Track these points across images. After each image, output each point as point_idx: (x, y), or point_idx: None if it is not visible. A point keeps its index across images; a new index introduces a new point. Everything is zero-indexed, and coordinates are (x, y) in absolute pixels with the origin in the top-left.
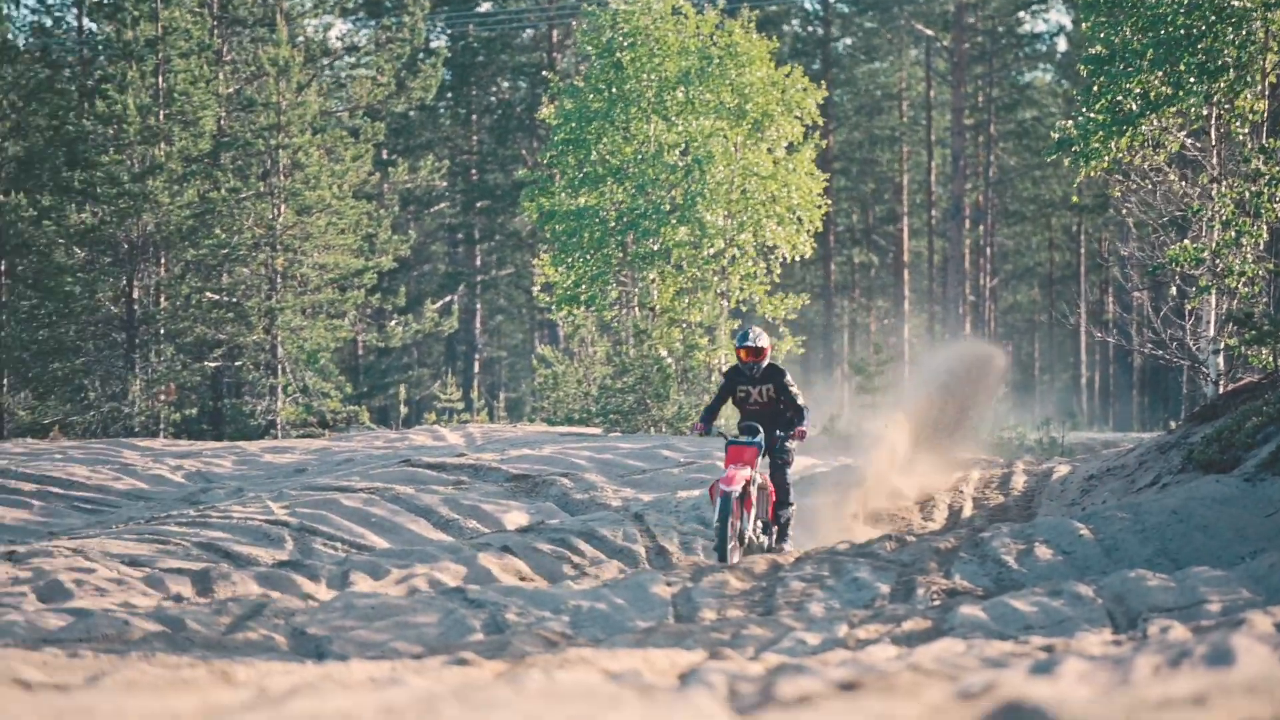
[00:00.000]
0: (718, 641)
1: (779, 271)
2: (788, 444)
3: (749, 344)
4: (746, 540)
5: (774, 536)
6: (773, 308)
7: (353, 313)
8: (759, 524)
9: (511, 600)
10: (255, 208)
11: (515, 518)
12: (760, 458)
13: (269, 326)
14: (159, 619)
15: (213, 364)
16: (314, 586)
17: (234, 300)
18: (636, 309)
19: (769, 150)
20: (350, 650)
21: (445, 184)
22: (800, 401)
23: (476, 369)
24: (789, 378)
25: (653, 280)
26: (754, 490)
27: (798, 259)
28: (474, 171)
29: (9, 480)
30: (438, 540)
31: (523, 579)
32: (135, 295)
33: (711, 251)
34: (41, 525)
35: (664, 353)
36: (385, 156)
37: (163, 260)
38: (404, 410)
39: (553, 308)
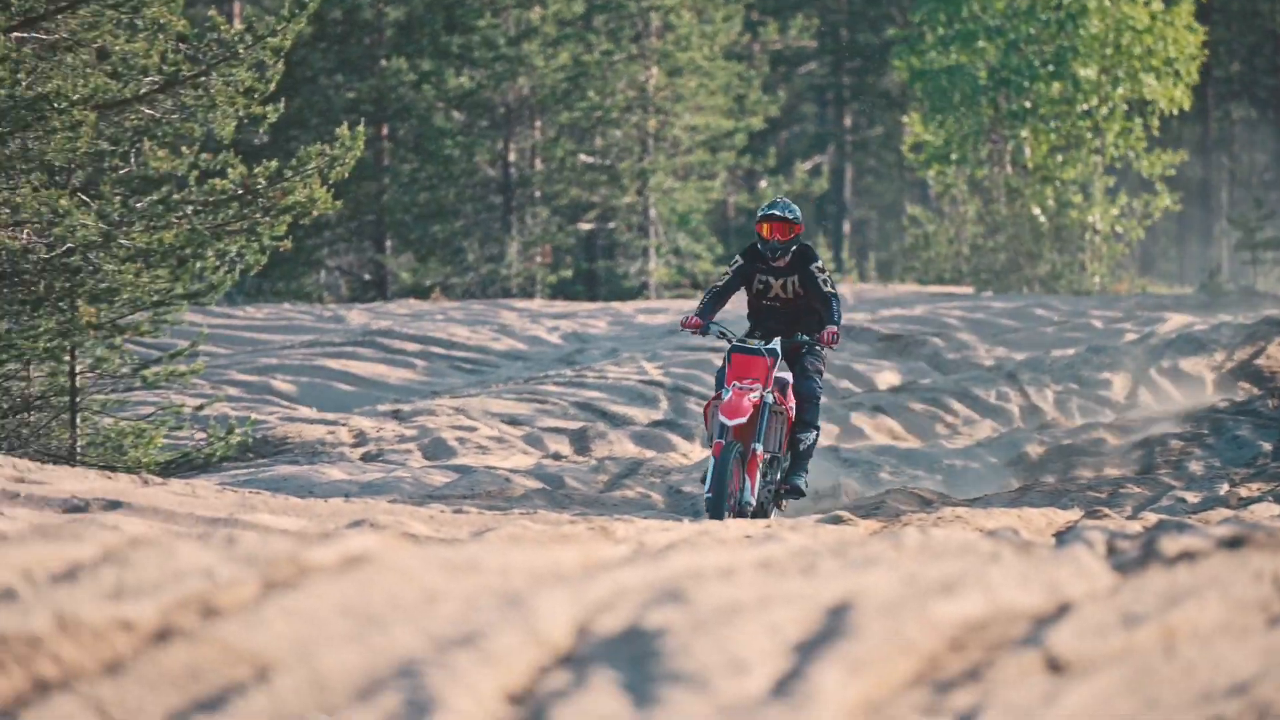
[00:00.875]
0: (1094, 500)
1: (1156, 127)
2: (816, 348)
3: (776, 213)
4: (745, 513)
5: (782, 472)
6: (1149, 164)
7: (723, 174)
8: (772, 481)
9: (884, 459)
10: (627, 70)
11: (887, 377)
12: (773, 370)
13: (641, 189)
14: (539, 476)
15: (586, 226)
16: (688, 445)
17: (607, 163)
18: (1008, 167)
19: (1145, 3)
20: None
21: (815, 43)
22: (829, 289)
23: (846, 230)
24: (820, 263)
25: (1024, 138)
26: (759, 441)
27: (1174, 113)
28: (844, 30)
29: (394, 340)
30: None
31: (895, 438)
32: (511, 158)
33: (1085, 108)
34: (424, 384)
35: (1036, 211)
36: (755, 17)
37: (538, 123)
38: None
39: (923, 167)
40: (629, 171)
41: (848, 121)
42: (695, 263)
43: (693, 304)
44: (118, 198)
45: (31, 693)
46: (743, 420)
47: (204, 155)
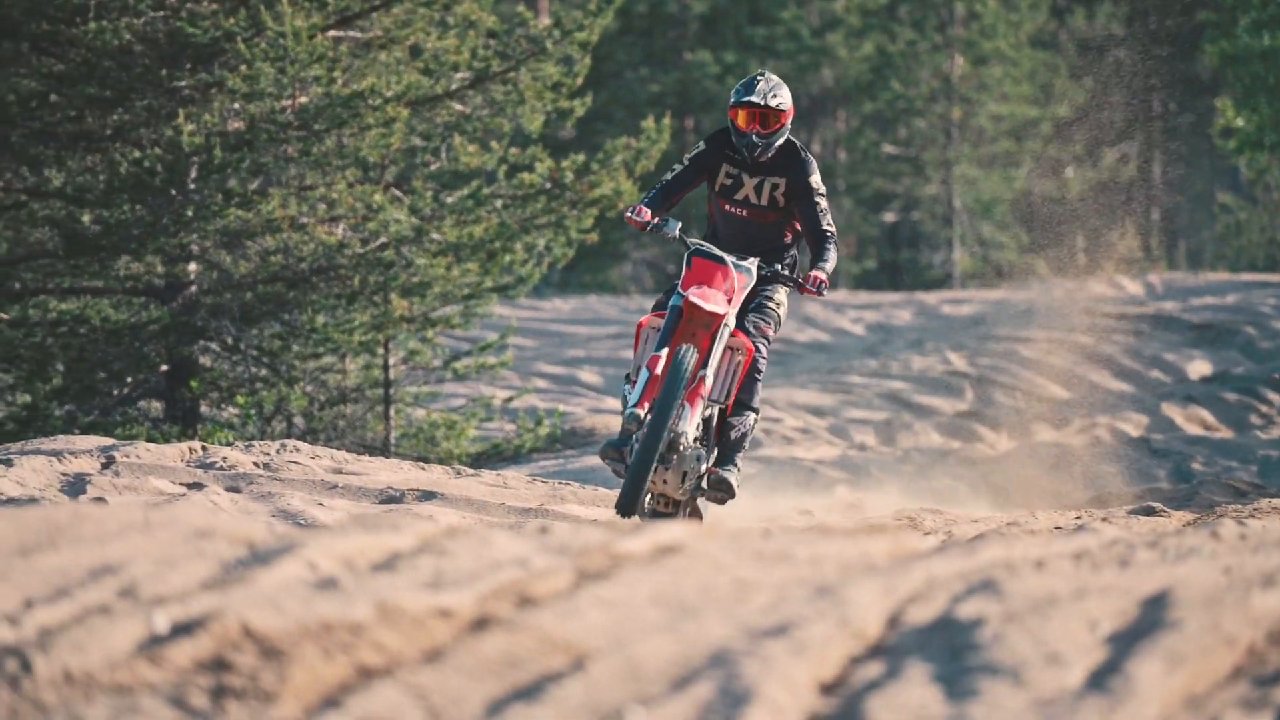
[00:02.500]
0: None
1: None
2: (773, 297)
3: (754, 99)
4: (680, 451)
5: (702, 462)
6: None
7: (1029, 163)
8: (693, 471)
9: (1197, 450)
10: (931, 60)
11: (1198, 367)
12: (743, 291)
13: (945, 178)
14: (844, 467)
15: (890, 216)
16: (994, 436)
17: (911, 153)
18: None
19: None
20: (1033, 499)
21: (1123, 30)
22: (827, 226)
23: (1155, 217)
24: (817, 177)
25: None
26: (709, 367)
27: None
28: (1153, 16)
29: None
30: (1119, 390)
31: (1207, 428)
32: (815, 149)
33: None
34: None
35: None
36: (1062, 4)
37: (841, 114)
38: (1081, 260)
39: (1235, 154)
40: (933, 161)
41: (1156, 108)
42: (1000, 252)
43: (998, 294)
44: (429, 193)
45: (355, 680)
46: (719, 309)
47: (513, 150)
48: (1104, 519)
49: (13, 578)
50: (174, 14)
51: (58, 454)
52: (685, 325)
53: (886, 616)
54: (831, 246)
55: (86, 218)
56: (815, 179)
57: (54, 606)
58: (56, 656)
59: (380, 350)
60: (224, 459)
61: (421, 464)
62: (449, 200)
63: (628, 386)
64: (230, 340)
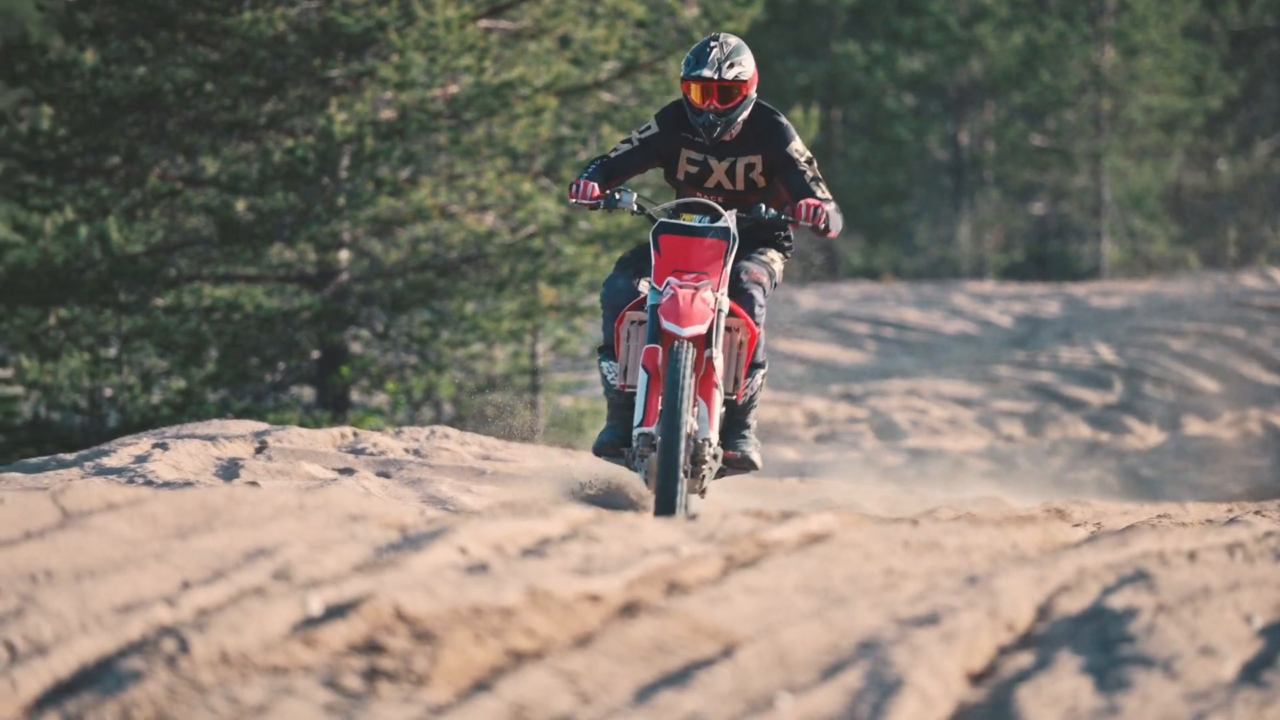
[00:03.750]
0: None
1: None
2: (763, 251)
3: (704, 73)
4: (704, 457)
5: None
6: None
7: (1179, 155)
8: (719, 415)
9: None
10: (1081, 51)
11: None
12: (729, 262)
13: (1094, 170)
14: (991, 458)
15: (1038, 207)
16: (1144, 429)
17: (1060, 144)
18: None
19: None
20: (1183, 492)
21: (1276, 21)
22: (822, 195)
23: None
24: (798, 143)
25: None
26: (716, 346)
27: None
28: None
29: (845, 322)
30: (1270, 383)
31: None
32: (963, 140)
33: None
34: (875, 366)
35: None
36: None
37: (990, 105)
38: (1233, 253)
39: None
40: (1082, 153)
41: None
42: (1149, 245)
43: (1147, 286)
44: None
45: (506, 664)
46: (701, 329)
47: None
48: (1257, 512)
49: (170, 559)
50: (327, 4)
51: (212, 438)
52: None
53: (1036, 607)
54: (830, 208)
55: (240, 206)
56: (796, 145)
57: (210, 588)
58: (213, 637)
59: (528, 338)
60: (374, 444)
61: (569, 451)
62: None
63: (607, 364)
64: (380, 327)
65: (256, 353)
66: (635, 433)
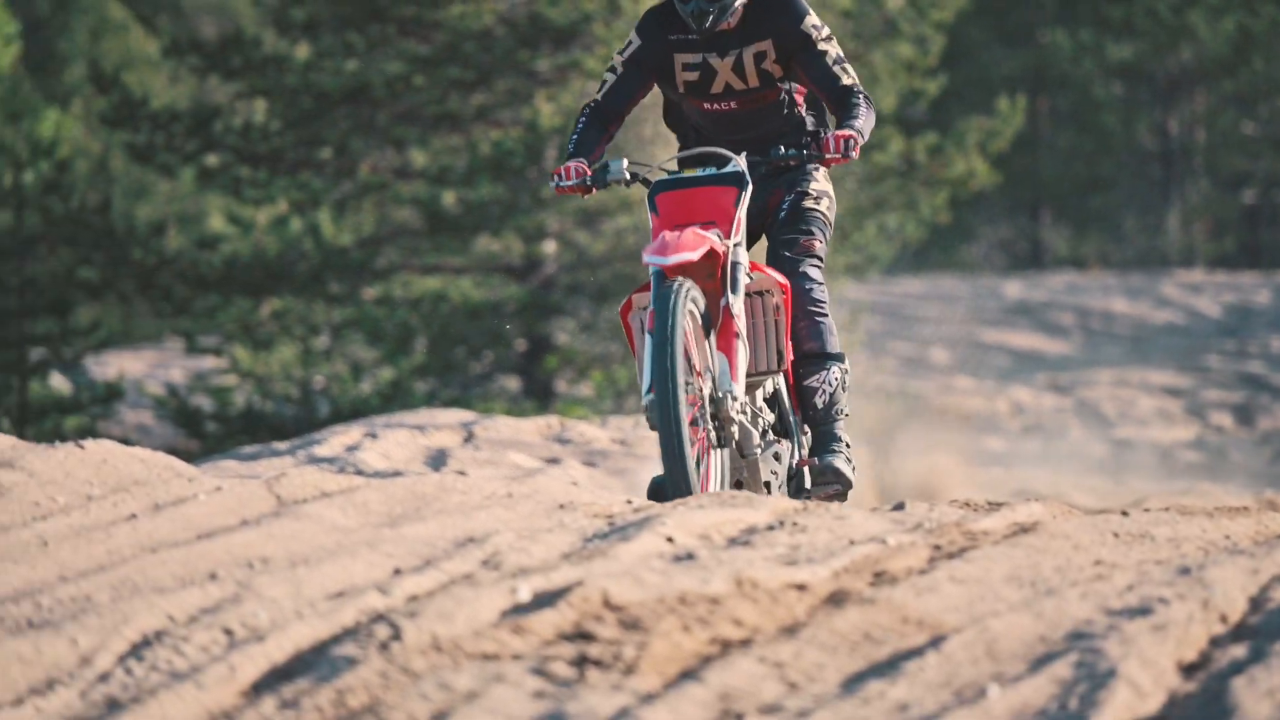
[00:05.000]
0: None
1: None
2: (807, 192)
3: None
4: (728, 413)
5: (797, 446)
6: None
7: None
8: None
9: None
10: None
11: None
12: (741, 207)
13: None
14: (1200, 449)
15: (1250, 196)
16: None
17: (1272, 132)
18: None
19: None
20: None
21: None
22: (848, 79)
23: None
24: (814, 18)
25: None
26: (734, 292)
27: None
28: None
29: (1051, 312)
30: None
31: None
32: (1172, 129)
33: None
34: (1082, 356)
35: None
36: None
37: (1200, 93)
38: None
39: None
40: None
41: None
42: None
43: None
44: None
45: (713, 652)
46: (690, 256)
47: None
48: None
49: (382, 547)
50: None
51: (420, 428)
52: None
53: (1250, 598)
54: (861, 100)
55: (448, 198)
56: (812, 20)
57: (421, 575)
58: (424, 624)
59: None
60: (580, 434)
61: None
62: None
63: (647, 343)
64: (586, 318)
65: (463, 343)
66: (643, 399)
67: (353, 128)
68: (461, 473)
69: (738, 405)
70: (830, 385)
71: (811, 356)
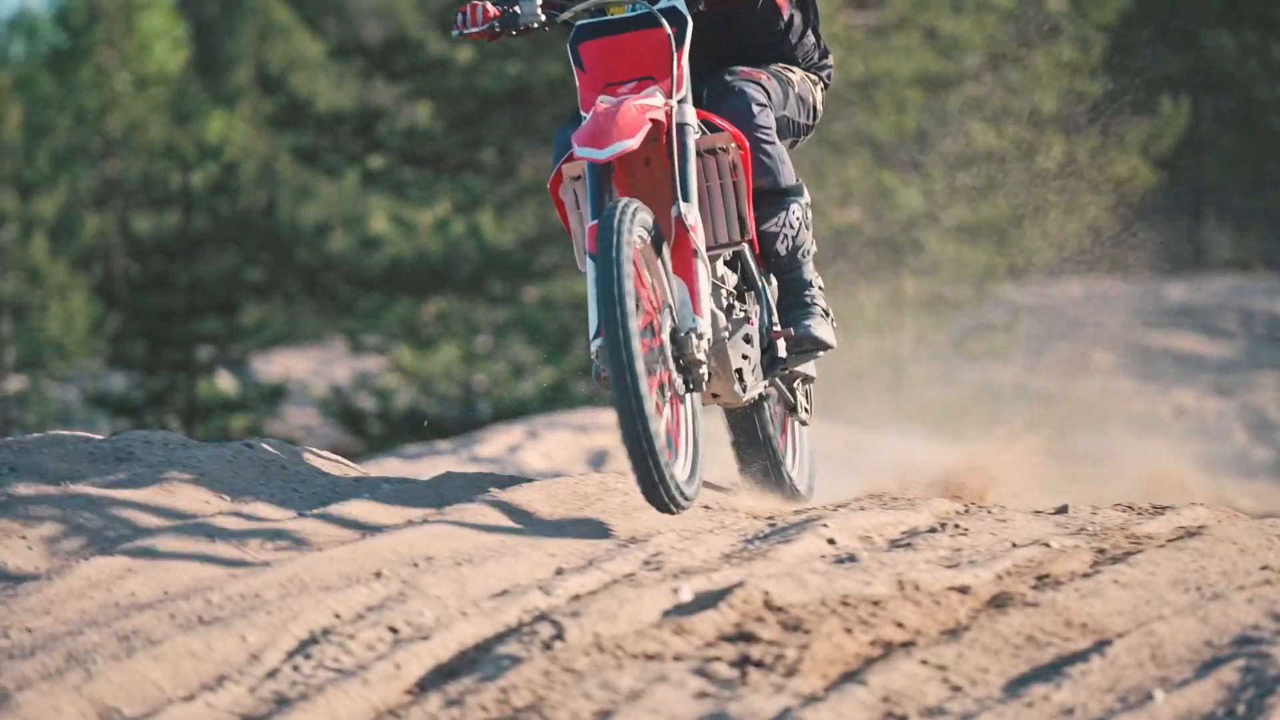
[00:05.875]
0: None
1: None
2: (774, 67)
3: None
4: (694, 354)
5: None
6: None
7: None
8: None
9: None
10: None
11: None
12: (681, 53)
13: None
14: None
15: None
16: None
17: None
18: None
19: None
20: None
21: None
22: None
23: None
24: None
25: None
26: (685, 197)
27: None
28: None
29: (1214, 315)
30: None
31: None
32: None
33: None
34: (1245, 360)
35: None
36: None
37: None
38: None
39: None
40: None
41: None
42: None
43: None
44: (941, 174)
45: (875, 654)
46: (629, 144)
47: (1026, 131)
48: None
49: (544, 547)
50: None
51: (582, 428)
52: (621, 163)
53: None
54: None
55: None
56: None
57: (583, 575)
58: (587, 624)
59: (891, 330)
60: None
61: (937, 443)
62: (962, 182)
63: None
64: None
65: None
66: (591, 344)
67: (514, 129)
68: (623, 473)
69: (704, 343)
70: (792, 226)
71: (763, 195)
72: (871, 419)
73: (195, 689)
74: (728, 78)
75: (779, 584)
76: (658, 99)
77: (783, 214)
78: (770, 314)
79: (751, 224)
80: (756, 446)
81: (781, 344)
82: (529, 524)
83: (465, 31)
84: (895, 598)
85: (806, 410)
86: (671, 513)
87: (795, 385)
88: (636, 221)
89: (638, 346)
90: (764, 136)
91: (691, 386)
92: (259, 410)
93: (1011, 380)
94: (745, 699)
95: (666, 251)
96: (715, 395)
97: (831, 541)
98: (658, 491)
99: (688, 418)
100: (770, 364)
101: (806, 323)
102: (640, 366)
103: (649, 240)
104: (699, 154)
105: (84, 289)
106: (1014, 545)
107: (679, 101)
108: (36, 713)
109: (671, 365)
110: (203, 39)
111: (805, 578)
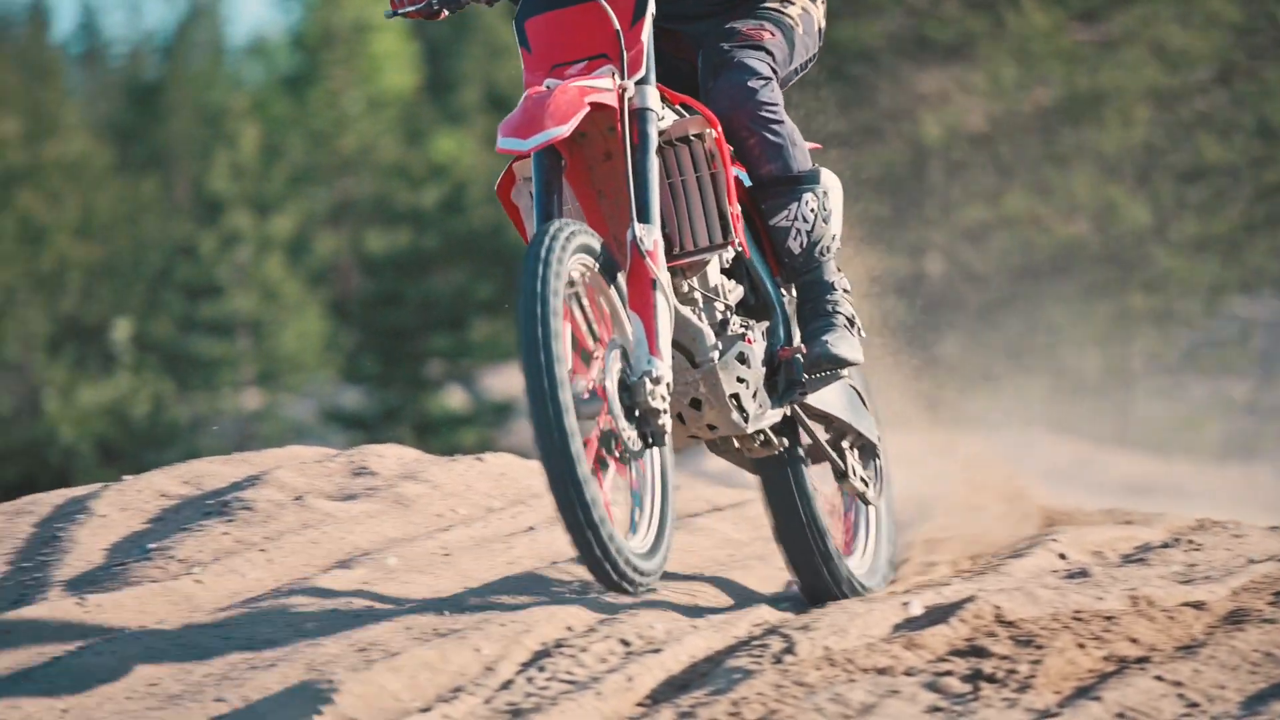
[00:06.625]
0: None
1: None
2: (768, 5)
3: None
4: (648, 403)
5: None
6: None
7: None
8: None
9: None
10: None
11: None
12: (643, 28)
13: None
14: None
15: None
16: None
17: None
18: None
19: None
20: None
21: None
22: None
23: None
24: None
25: None
26: (645, 217)
27: None
28: None
29: None
30: None
31: None
32: None
33: None
34: None
35: None
36: None
37: None
38: None
39: None
40: None
41: None
42: None
43: None
44: (1170, 188)
45: (1109, 669)
46: (559, 133)
47: (1256, 144)
48: None
49: (772, 560)
50: (919, 16)
51: None
52: (575, 158)
53: None
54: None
55: None
56: None
57: None
58: (818, 637)
59: (1119, 345)
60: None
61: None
62: (1190, 195)
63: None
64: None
65: None
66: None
67: None
68: None
69: (662, 388)
70: (806, 220)
71: (771, 184)
72: (1098, 434)
73: (431, 700)
74: (724, 45)
75: (1010, 598)
76: (607, 80)
77: (794, 205)
78: (788, 325)
79: (737, 221)
80: (798, 529)
81: (795, 364)
82: (757, 537)
83: (403, 10)
84: (1129, 613)
85: (866, 483)
86: (624, 592)
87: (843, 446)
88: (572, 249)
89: (566, 398)
90: (769, 115)
91: (651, 440)
92: (488, 424)
93: (1243, 396)
94: (978, 713)
95: (622, 280)
96: (712, 427)
97: (1063, 556)
98: (602, 568)
99: (650, 478)
100: (788, 387)
101: (825, 338)
102: (570, 421)
103: (596, 268)
104: (670, 143)
105: (318, 306)
106: (1250, 561)
107: (637, 82)
108: None
109: (620, 417)
110: (432, 59)
111: (1037, 592)
